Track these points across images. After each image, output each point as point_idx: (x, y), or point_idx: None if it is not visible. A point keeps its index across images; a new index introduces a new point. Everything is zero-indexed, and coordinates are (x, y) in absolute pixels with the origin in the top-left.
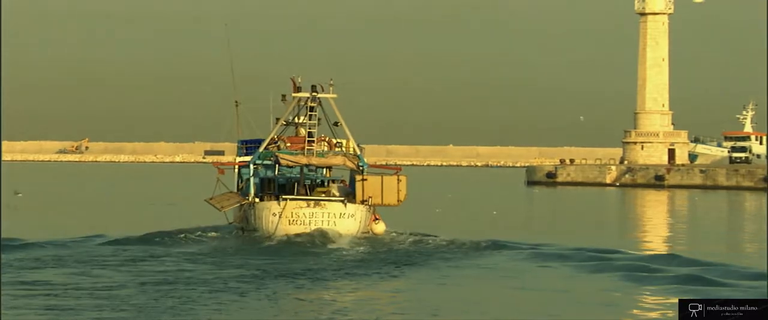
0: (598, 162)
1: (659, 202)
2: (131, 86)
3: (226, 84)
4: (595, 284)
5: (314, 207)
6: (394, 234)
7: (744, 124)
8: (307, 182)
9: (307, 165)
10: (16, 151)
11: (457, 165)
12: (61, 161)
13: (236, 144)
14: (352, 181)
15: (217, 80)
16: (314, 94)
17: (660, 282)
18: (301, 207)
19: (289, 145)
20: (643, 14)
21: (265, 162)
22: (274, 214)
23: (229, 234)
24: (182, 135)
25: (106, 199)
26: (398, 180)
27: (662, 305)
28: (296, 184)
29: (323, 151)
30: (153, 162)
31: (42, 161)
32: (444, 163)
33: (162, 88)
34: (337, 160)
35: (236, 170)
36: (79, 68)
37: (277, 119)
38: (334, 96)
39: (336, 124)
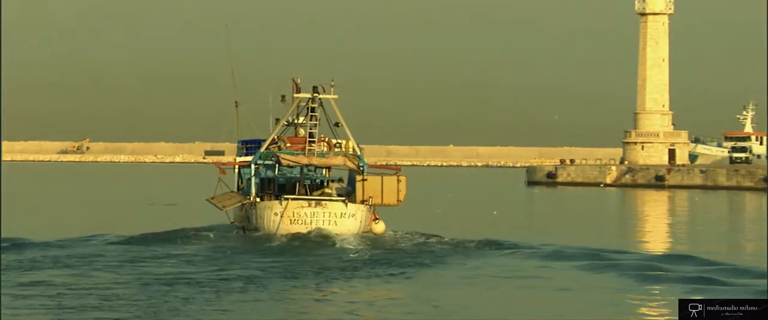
0: (598, 162)
1: (659, 202)
2: (131, 86)
3: (226, 84)
4: (595, 284)
5: (315, 206)
6: (393, 233)
7: (744, 125)
8: (307, 182)
9: (307, 166)
10: (16, 151)
11: (458, 166)
12: (61, 161)
13: (236, 144)
14: (351, 181)
15: (218, 80)
16: (315, 94)
17: (660, 282)
18: (303, 207)
19: (289, 145)
20: (643, 14)
21: (266, 162)
22: (276, 214)
23: (231, 234)
24: (182, 135)
25: (106, 199)
26: (398, 180)
27: (662, 305)
28: (297, 184)
29: (323, 151)
30: (153, 162)
31: (42, 161)
32: (444, 164)
33: (162, 89)
34: (338, 161)
35: (236, 170)
36: (79, 68)
37: (277, 119)
38: (335, 97)
39: (337, 124)
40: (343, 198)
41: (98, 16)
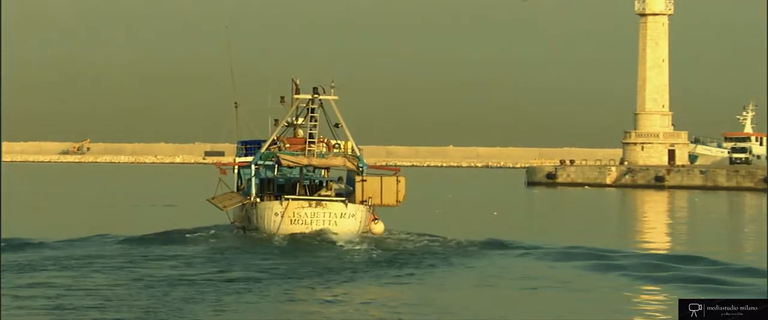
0: (598, 163)
1: (659, 203)
2: (131, 87)
3: (226, 85)
4: (595, 284)
5: (316, 207)
6: (393, 234)
7: (744, 125)
8: (306, 183)
9: (306, 166)
10: (16, 151)
11: (458, 166)
12: (61, 162)
13: (236, 145)
14: (350, 182)
15: (218, 81)
16: (316, 95)
17: (660, 282)
18: (303, 207)
19: (288, 146)
20: (643, 15)
21: (267, 162)
22: (276, 214)
23: (232, 234)
24: (182, 136)
25: (107, 200)
26: (397, 181)
27: (662, 305)
28: (296, 185)
29: (323, 152)
30: (153, 163)
31: (42, 162)
32: (444, 164)
33: (162, 89)
34: (338, 161)
35: (236, 171)
36: (79, 69)
37: (276, 120)
38: (336, 98)
39: (337, 125)
40: (344, 199)
41: (98, 17)
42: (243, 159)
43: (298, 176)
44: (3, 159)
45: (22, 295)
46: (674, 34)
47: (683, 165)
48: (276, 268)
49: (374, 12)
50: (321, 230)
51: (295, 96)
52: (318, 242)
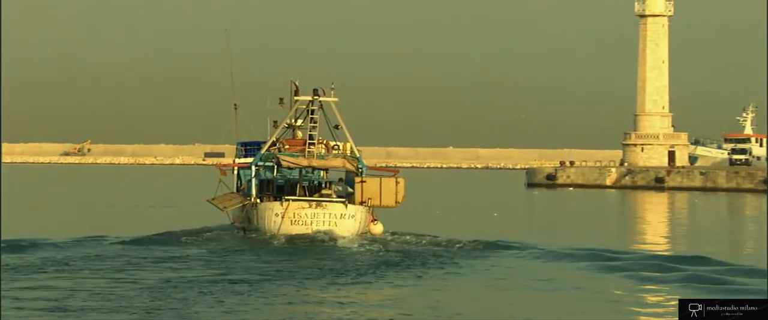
0: (598, 164)
1: (659, 204)
2: (131, 88)
3: (226, 85)
4: (595, 284)
5: (316, 208)
6: (392, 234)
7: (744, 126)
8: (305, 184)
9: (307, 167)
10: (16, 153)
11: (457, 167)
12: (61, 163)
13: (235, 146)
14: (349, 183)
15: (217, 82)
16: (316, 97)
17: (660, 282)
18: (303, 208)
19: (287, 147)
20: (643, 16)
21: (267, 163)
22: (277, 215)
23: (233, 235)
24: (182, 137)
25: (107, 201)
26: (396, 182)
27: (662, 305)
28: (295, 186)
29: (322, 153)
30: (153, 164)
31: (42, 163)
32: (444, 165)
33: (162, 90)
34: (337, 163)
35: (236, 172)
36: (78, 70)
37: (275, 122)
38: (336, 99)
39: (336, 126)
40: (343, 200)
41: (97, 18)
42: (243, 160)
43: (297, 177)
44: (3, 160)
45: (23, 297)
46: (674, 35)
47: (683, 167)
48: (278, 269)
49: (374, 12)
50: (321, 231)
51: (295, 97)
52: (320, 243)
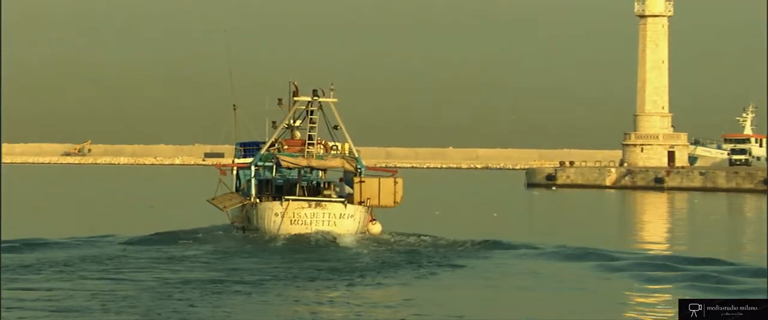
0: (597, 164)
1: (659, 204)
2: (131, 88)
3: (225, 85)
4: (595, 284)
5: (315, 207)
6: (392, 235)
7: (744, 127)
8: (304, 184)
9: (306, 167)
10: (16, 153)
11: (457, 168)
12: (61, 164)
13: (234, 146)
14: (348, 183)
15: (217, 83)
16: (315, 98)
17: (661, 282)
18: (303, 208)
19: (286, 147)
20: (642, 16)
21: (266, 163)
22: (277, 214)
23: (232, 235)
24: (182, 137)
25: (108, 201)
26: (395, 182)
27: (663, 305)
28: (293, 186)
29: (321, 153)
30: (153, 164)
31: (42, 164)
32: (443, 166)
33: (162, 90)
34: (336, 163)
35: (235, 172)
36: (78, 70)
37: (273, 122)
38: (335, 100)
39: (335, 127)
40: (343, 199)
41: (97, 18)
42: (242, 160)
43: (296, 177)
44: (3, 160)
45: (23, 297)
46: (674, 35)
47: (683, 167)
48: (282, 269)
49: (374, 13)
50: (321, 231)
51: (295, 98)
52: (321, 243)
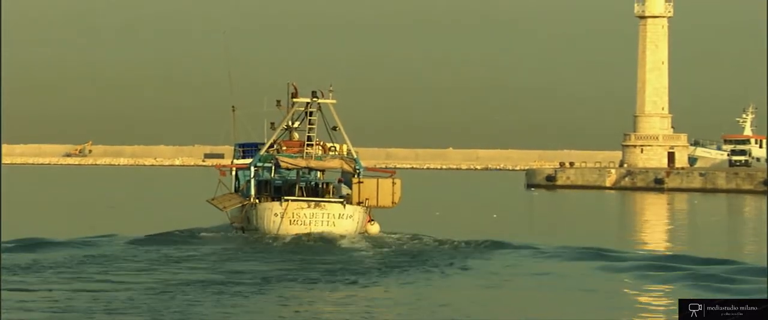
0: (597, 165)
1: (659, 205)
2: (131, 89)
3: (225, 87)
4: (596, 284)
5: (314, 208)
6: (392, 235)
7: (744, 128)
8: (302, 184)
9: (305, 168)
10: (16, 154)
11: (457, 169)
12: (61, 165)
13: (233, 147)
14: (346, 184)
15: (217, 83)
16: (314, 99)
17: (661, 282)
18: (302, 208)
19: (285, 148)
20: (642, 17)
21: (266, 164)
22: (276, 215)
23: (233, 235)
24: (182, 138)
25: (108, 202)
26: (393, 183)
27: (663, 305)
28: (292, 186)
29: (320, 154)
30: (152, 165)
31: (42, 164)
32: (444, 166)
33: (162, 91)
34: (335, 163)
35: (234, 173)
36: (77, 71)
37: (272, 123)
38: (334, 101)
39: (334, 128)
40: (342, 200)
41: (97, 19)
42: (241, 161)
43: (294, 178)
44: (3, 161)
45: (23, 298)
46: (674, 36)
47: (683, 168)
48: (283, 269)
49: (374, 13)
50: (321, 231)
51: (294, 99)
52: (322, 243)
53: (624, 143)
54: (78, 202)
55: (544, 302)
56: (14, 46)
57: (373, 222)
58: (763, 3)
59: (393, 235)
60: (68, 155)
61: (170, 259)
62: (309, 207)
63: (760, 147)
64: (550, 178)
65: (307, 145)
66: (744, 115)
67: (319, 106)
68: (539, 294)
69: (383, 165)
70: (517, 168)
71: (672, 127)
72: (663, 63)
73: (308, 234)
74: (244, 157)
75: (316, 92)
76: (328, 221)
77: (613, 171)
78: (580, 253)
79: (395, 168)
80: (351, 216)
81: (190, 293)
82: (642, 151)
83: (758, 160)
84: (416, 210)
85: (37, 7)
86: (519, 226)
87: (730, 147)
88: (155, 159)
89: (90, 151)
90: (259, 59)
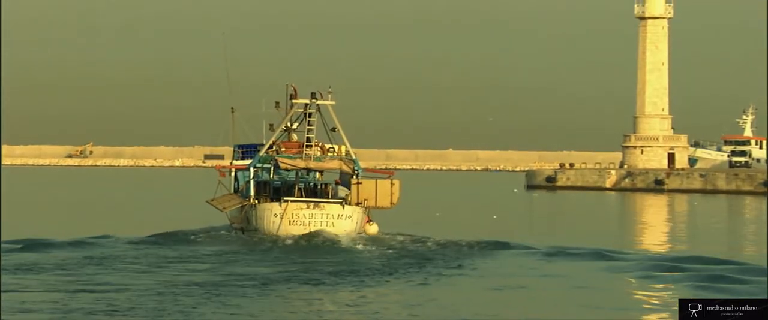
0: (597, 166)
1: (659, 206)
2: (131, 90)
3: (225, 88)
4: (596, 284)
5: (314, 208)
6: (395, 236)
7: (744, 128)
8: (301, 185)
9: (304, 169)
10: (16, 155)
11: (457, 170)
12: (61, 166)
13: (232, 148)
14: (345, 184)
15: (217, 85)
16: (313, 100)
17: (661, 282)
18: (302, 209)
19: (284, 149)
20: (642, 18)
21: (265, 165)
22: (276, 215)
23: (233, 235)
24: (182, 139)
25: (108, 203)
26: (391, 183)
27: (663, 305)
28: (290, 187)
29: (319, 155)
30: (152, 166)
31: (42, 165)
32: (444, 167)
33: (161, 92)
34: (334, 164)
35: (233, 173)
36: (77, 72)
37: (271, 125)
38: (332, 103)
39: (333, 129)
40: (341, 200)
41: (97, 19)
42: (240, 162)
43: (293, 179)
44: (3, 162)
45: (23, 299)
46: (674, 37)
47: (683, 169)
48: (285, 270)
49: (374, 13)
50: (320, 231)
51: (293, 101)
52: (323, 243)
53: (624, 144)
54: (78, 203)
55: (546, 302)
56: (14, 46)
57: (371, 223)
58: (763, 4)
59: (397, 237)
60: (70, 156)
61: (171, 260)
62: (308, 207)
63: (760, 148)
64: (550, 179)
65: (306, 146)
66: (744, 116)
67: (318, 108)
68: (540, 293)
69: (383, 167)
70: (517, 169)
71: (672, 128)
72: (663, 64)
73: (311, 234)
74: (243, 158)
75: (315, 93)
76: (327, 221)
77: (613, 172)
78: (580, 253)
79: (395, 169)
80: (350, 217)
81: (191, 294)
82: (642, 152)
83: (758, 161)
84: (417, 211)
85: (37, 7)
86: (519, 227)
87: (730, 148)
88: (155, 160)
89: (91, 153)
90: (259, 60)
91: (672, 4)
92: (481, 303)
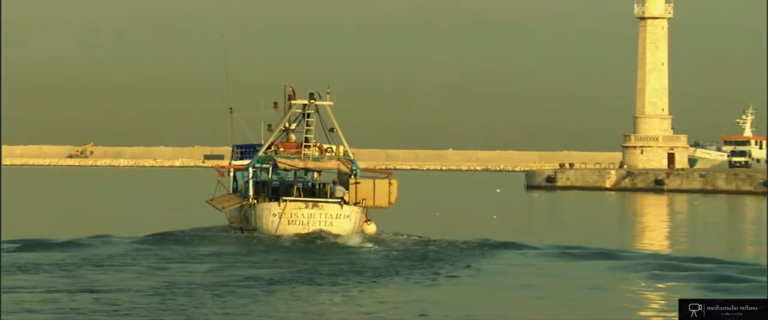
0: (597, 166)
1: (659, 206)
2: (131, 90)
3: (224, 89)
4: (595, 284)
5: (312, 208)
6: (393, 235)
7: (743, 129)
8: (299, 185)
9: (303, 169)
10: (16, 155)
11: (457, 170)
12: (61, 166)
13: (231, 148)
14: (343, 184)
15: (216, 85)
16: (312, 101)
17: (661, 282)
18: (300, 208)
19: (282, 150)
20: (642, 18)
21: (264, 165)
22: (274, 215)
23: (233, 235)
24: (182, 139)
25: (108, 203)
26: (389, 183)
27: (663, 305)
28: (289, 187)
29: (317, 155)
30: (152, 166)
31: (43, 165)
32: (443, 168)
33: (161, 93)
34: (332, 164)
35: (232, 174)
36: (77, 72)
37: (269, 125)
38: (331, 103)
39: (331, 129)
40: (339, 200)
41: (97, 20)
42: (239, 162)
43: (291, 179)
44: (3, 162)
45: (24, 299)
46: (674, 37)
47: (683, 169)
48: (286, 270)
49: (374, 13)
50: (319, 231)
51: (292, 101)
52: (323, 244)
53: (624, 144)
54: (78, 203)
55: (547, 302)
56: (14, 46)
57: (369, 223)
58: (763, 4)
59: (398, 237)
60: (70, 156)
61: (171, 260)
62: (307, 207)
63: (760, 148)
64: (550, 179)
65: (305, 146)
66: (744, 116)
67: (317, 108)
68: (541, 292)
69: (383, 167)
70: (517, 169)
71: (672, 128)
72: (663, 64)
73: (311, 234)
74: (241, 159)
75: (313, 94)
76: (325, 221)
77: (613, 172)
78: (580, 253)
79: (395, 169)
80: (348, 217)
81: (192, 294)
82: (642, 152)
83: (758, 161)
84: (417, 211)
85: (37, 7)
86: (519, 227)
87: (729, 148)
88: (155, 160)
89: (91, 153)
90: (258, 60)
91: (672, 4)
92: (485, 303)
